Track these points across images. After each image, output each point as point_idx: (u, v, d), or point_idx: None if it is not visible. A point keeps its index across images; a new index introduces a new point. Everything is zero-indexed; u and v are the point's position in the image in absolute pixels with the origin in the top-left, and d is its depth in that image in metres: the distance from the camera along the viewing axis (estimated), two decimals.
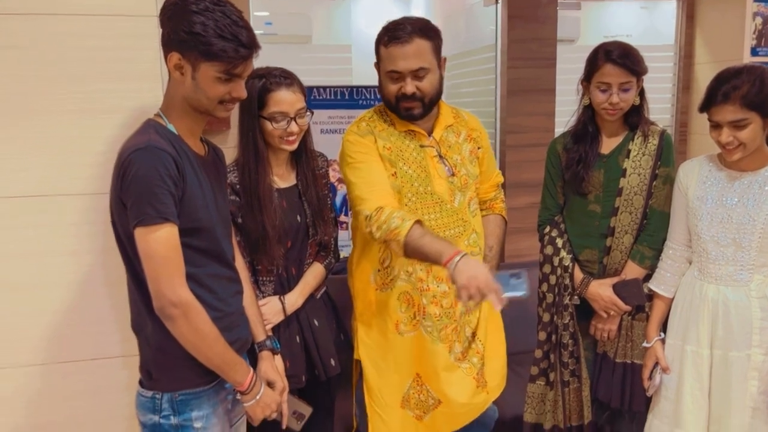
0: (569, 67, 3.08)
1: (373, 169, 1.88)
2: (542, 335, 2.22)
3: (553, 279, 2.18)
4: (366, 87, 3.18)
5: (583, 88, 2.13)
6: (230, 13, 1.41)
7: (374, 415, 2.00)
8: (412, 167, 1.92)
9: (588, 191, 2.13)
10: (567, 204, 2.22)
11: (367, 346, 2.02)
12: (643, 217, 2.10)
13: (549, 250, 2.20)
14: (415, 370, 1.99)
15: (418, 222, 1.74)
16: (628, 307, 2.10)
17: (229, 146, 2.04)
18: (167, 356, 1.49)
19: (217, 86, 1.44)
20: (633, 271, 2.10)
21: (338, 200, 3.00)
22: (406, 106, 1.89)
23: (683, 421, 1.96)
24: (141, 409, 1.54)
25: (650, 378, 2.05)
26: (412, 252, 1.73)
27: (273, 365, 1.76)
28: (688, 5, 3.50)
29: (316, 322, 2.02)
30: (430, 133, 1.97)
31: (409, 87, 1.85)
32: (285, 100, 1.87)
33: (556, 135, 2.32)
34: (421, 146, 1.94)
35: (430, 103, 1.91)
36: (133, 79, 1.67)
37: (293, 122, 1.88)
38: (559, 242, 2.19)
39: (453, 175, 1.95)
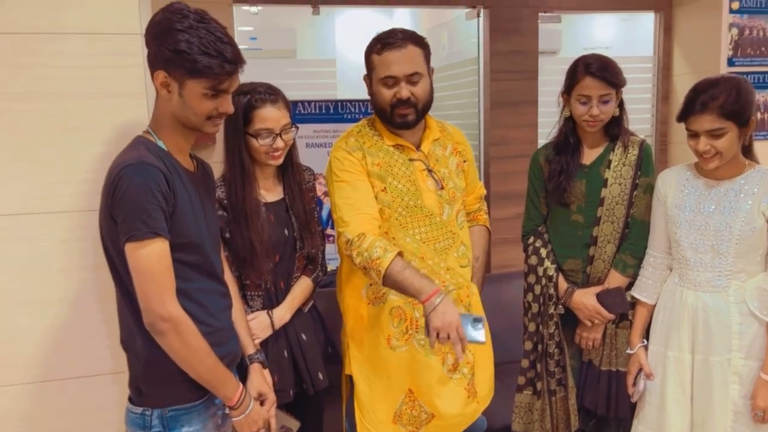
0: (551, 78, 3.12)
1: (359, 189, 1.88)
2: (528, 345, 2.24)
3: (537, 289, 2.20)
4: (351, 101, 3.19)
5: (563, 100, 2.15)
6: (214, 29, 1.42)
7: (365, 431, 1.99)
8: (401, 181, 1.93)
9: (570, 201, 2.15)
10: (550, 214, 2.24)
11: (358, 361, 2.00)
12: (625, 227, 2.13)
13: (533, 260, 2.23)
14: (408, 385, 1.98)
15: (400, 254, 1.77)
16: (611, 316, 2.12)
17: (216, 161, 2.05)
18: (157, 372, 1.48)
19: (204, 102, 1.45)
20: (616, 279, 2.13)
21: (324, 214, 3.00)
22: (401, 112, 1.88)
23: (667, 425, 1.98)
24: (131, 425, 1.53)
25: (634, 384, 2.07)
26: (391, 283, 1.76)
27: (264, 378, 1.77)
28: (666, 18, 3.57)
29: (304, 337, 2.02)
30: (417, 146, 1.98)
31: (405, 91, 1.86)
32: (270, 116, 1.89)
33: (539, 146, 2.34)
34: (410, 160, 1.95)
35: (423, 111, 1.93)
36: (118, 96, 1.68)
37: (279, 138, 1.90)
38: (543, 252, 2.21)
39: (441, 188, 1.97)
